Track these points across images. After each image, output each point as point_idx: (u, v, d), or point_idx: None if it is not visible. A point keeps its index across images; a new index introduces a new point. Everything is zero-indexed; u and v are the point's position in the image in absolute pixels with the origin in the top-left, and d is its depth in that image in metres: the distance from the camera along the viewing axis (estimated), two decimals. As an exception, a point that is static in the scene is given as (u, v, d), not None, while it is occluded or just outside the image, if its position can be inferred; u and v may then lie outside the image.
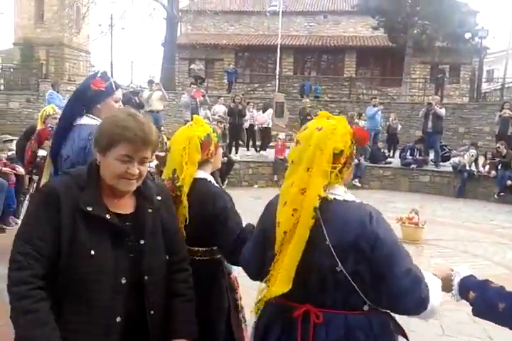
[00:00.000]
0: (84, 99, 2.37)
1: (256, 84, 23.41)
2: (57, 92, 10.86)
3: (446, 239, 6.59)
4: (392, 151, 13.33)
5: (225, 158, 10.59)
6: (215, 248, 2.02)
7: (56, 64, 20.60)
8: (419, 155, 11.53)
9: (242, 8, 26.61)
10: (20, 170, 6.52)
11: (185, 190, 1.93)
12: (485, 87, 25.63)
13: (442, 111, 11.52)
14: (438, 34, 20.30)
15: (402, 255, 1.44)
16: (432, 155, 11.73)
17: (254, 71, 25.79)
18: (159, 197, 1.64)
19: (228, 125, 11.90)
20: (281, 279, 1.46)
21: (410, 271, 1.42)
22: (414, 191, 10.97)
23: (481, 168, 10.68)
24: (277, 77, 21.12)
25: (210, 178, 2.06)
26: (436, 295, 1.45)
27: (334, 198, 1.48)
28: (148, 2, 21.30)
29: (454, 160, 11.09)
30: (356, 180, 11.19)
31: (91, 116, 2.39)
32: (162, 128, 10.87)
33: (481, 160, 10.92)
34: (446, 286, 1.57)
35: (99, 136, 1.50)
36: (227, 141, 11.47)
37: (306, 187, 1.45)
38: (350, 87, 21.04)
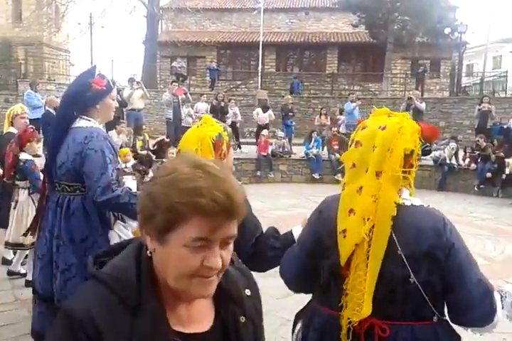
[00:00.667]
0: (84, 101, 2.27)
1: (238, 82, 23.38)
2: (36, 92, 10.72)
3: (427, 231, 6.67)
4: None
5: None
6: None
7: (35, 63, 20.28)
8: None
9: (224, 6, 26.53)
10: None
11: None
12: (465, 81, 25.97)
13: (423, 106, 11.64)
14: (418, 29, 20.48)
15: (473, 265, 1.37)
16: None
17: (237, 68, 25.75)
18: (248, 292, 1.06)
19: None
20: (368, 298, 1.34)
21: (481, 282, 1.36)
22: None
23: (461, 161, 10.83)
24: (260, 74, 21.12)
25: None
26: (499, 306, 1.39)
27: (403, 203, 1.38)
28: (129, 0, 21.12)
29: (435, 153, 11.21)
30: (339, 174, 11.25)
31: (86, 117, 2.30)
32: (144, 126, 10.81)
33: (461, 153, 11.07)
34: None
35: (148, 210, 0.88)
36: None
37: (379, 194, 1.33)
38: (333, 83, 21.13)
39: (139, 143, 10.14)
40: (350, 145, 1.44)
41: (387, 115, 1.44)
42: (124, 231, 2.35)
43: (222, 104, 11.99)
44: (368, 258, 1.34)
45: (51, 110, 7.94)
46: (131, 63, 27.71)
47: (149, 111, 15.84)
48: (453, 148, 10.80)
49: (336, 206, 1.43)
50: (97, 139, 2.21)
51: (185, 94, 11.62)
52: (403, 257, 1.32)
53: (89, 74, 2.31)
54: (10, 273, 4.42)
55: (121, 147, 8.89)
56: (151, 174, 7.81)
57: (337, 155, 11.28)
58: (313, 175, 11.35)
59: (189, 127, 8.84)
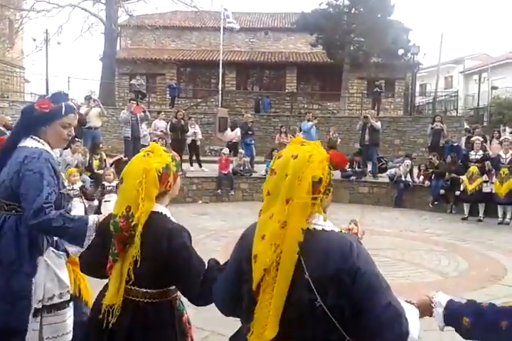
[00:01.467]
0: (30, 120, 2.28)
1: (199, 99, 23.41)
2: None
3: (385, 248, 6.77)
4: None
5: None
6: (170, 288, 1.86)
7: (-13, 79, 19.63)
8: (358, 167, 11.88)
9: (183, 24, 26.65)
10: None
11: (140, 228, 1.76)
12: (418, 100, 27.05)
13: (378, 124, 11.96)
14: (373, 50, 21.23)
15: (383, 288, 1.38)
16: (370, 167, 12.11)
17: (197, 86, 25.81)
18: None
19: (170, 141, 11.76)
20: (272, 322, 1.36)
21: (390, 305, 1.36)
22: (354, 202, 11.26)
23: (415, 179, 11.15)
24: (220, 92, 21.23)
25: (166, 212, 1.89)
26: (415, 327, 1.39)
27: (314, 228, 1.41)
28: (86, 17, 20.91)
29: (391, 171, 11.51)
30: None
31: (36, 138, 2.29)
32: (101, 145, 10.57)
33: (416, 170, 11.41)
34: (424, 312, 1.53)
35: None
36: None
37: (287, 220, 1.37)
38: (292, 102, 21.50)
39: (95, 162, 9.88)
40: (268, 174, 1.50)
41: (301, 144, 1.48)
42: (53, 259, 2.26)
43: (182, 122, 11.91)
44: (275, 282, 1.37)
45: (1, 128, 7.70)
46: (88, 80, 27.27)
47: (107, 129, 15.57)
48: (407, 166, 11.11)
49: (253, 233, 1.48)
50: (37, 160, 2.18)
51: (143, 112, 11.47)
52: (310, 281, 1.34)
53: (42, 96, 2.40)
54: None
55: (76, 166, 8.65)
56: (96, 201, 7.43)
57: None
58: (274, 193, 11.38)
59: (147, 145, 8.63)
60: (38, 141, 2.28)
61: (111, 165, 10.39)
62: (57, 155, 8.74)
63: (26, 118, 2.30)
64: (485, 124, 22.22)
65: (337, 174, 12.24)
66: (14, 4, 20.26)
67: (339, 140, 14.13)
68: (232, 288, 1.55)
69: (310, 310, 1.36)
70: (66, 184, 6.10)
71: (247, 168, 11.95)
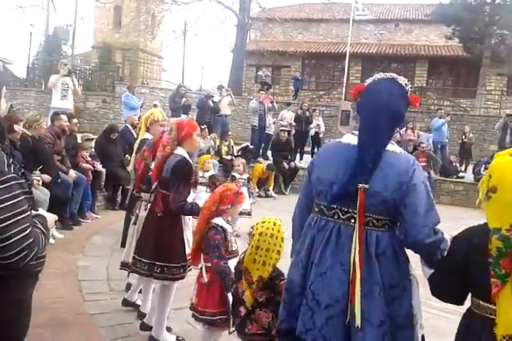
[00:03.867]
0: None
1: (321, 92, 23.29)
2: (133, 94, 11.34)
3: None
4: (464, 165, 12.75)
5: (291, 164, 10.63)
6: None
7: (131, 67, 21.55)
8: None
9: (311, 16, 26.63)
10: (99, 167, 6.89)
11: None
12: None
13: (522, 124, 10.93)
14: (518, 44, 19.29)
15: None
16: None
17: (320, 78, 25.69)
18: None
19: (294, 132, 11.91)
20: None
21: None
22: (487, 208, 10.40)
23: None
24: (344, 84, 20.91)
25: None
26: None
27: None
28: (221, 10, 21.87)
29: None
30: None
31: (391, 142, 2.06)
32: (229, 132, 11.06)
33: None
34: None
35: None
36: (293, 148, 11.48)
37: None
38: (421, 97, 20.44)
39: (224, 148, 10.38)
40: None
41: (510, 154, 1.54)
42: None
43: (307, 113, 11.99)
44: None
45: (130, 127, 8.17)
46: (218, 70, 28.53)
47: (233, 117, 16.22)
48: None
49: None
50: (419, 169, 1.94)
51: (271, 102, 11.75)
52: None
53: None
54: (125, 303, 3.75)
55: (208, 152, 9.16)
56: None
57: (424, 172, 10.85)
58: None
59: (271, 135, 8.42)
60: (393, 145, 2.01)
61: (237, 152, 10.86)
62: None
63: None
64: None
65: (470, 177, 11.42)
66: (158, -2, 21.92)
67: (474, 140, 13.19)
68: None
69: None
70: (199, 171, 6.16)
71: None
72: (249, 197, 6.69)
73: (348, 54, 20.73)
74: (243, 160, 7.37)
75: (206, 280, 2.69)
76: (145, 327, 3.33)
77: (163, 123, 4.00)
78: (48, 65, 19.92)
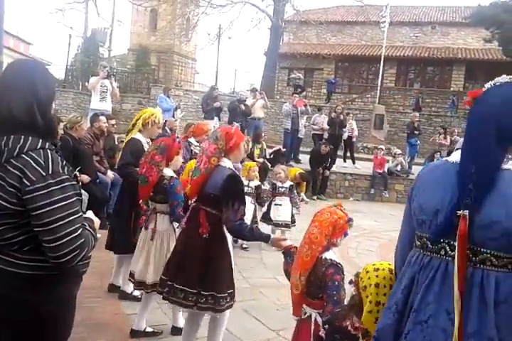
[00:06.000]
0: None
1: (354, 95, 23.08)
2: (168, 97, 11.49)
3: None
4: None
5: (326, 172, 10.52)
6: None
7: (166, 70, 21.89)
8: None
9: (346, 19, 26.45)
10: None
11: None
12: None
13: None
14: (561, 47, 18.64)
15: None
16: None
17: (353, 81, 25.46)
18: None
19: (327, 135, 11.83)
20: None
21: None
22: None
23: None
24: (379, 88, 20.65)
25: None
26: None
27: None
28: (255, 12, 21.96)
29: None
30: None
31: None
32: (263, 134, 11.07)
33: None
34: None
35: None
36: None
37: None
38: (457, 102, 19.97)
39: (256, 151, 10.39)
40: None
41: None
42: None
43: (341, 117, 11.89)
44: None
45: (168, 131, 8.20)
46: (251, 73, 28.65)
47: (266, 120, 16.25)
48: None
49: None
50: None
51: (305, 106, 11.71)
52: None
53: None
54: (132, 332, 3.39)
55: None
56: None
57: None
58: (431, 197, 10.76)
59: (301, 138, 7.86)
60: None
61: (270, 155, 10.86)
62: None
63: None
64: None
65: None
66: (193, 2, 22.19)
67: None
68: None
69: None
70: (244, 179, 5.83)
71: (403, 168, 11.48)
72: (294, 207, 6.38)
73: (382, 57, 20.48)
74: (284, 167, 6.78)
75: (324, 334, 2.07)
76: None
77: (161, 126, 4.08)
78: (86, 66, 20.44)
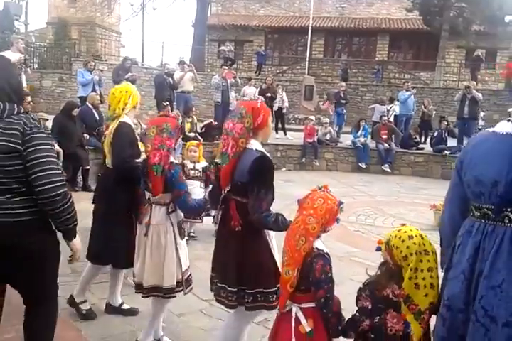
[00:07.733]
0: None
1: (284, 67, 23.18)
2: (89, 71, 10.90)
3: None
4: (424, 137, 13.07)
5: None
6: None
7: (88, 43, 20.79)
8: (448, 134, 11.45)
9: (273, -11, 26.18)
10: (56, 147, 6.69)
11: None
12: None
13: (480, 96, 11.22)
14: (475, 17, 19.60)
15: None
16: (465, 142, 11.46)
17: (284, 53, 25.53)
18: None
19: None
20: None
21: None
22: (446, 178, 10.78)
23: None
24: (307, 59, 20.85)
25: None
26: None
27: None
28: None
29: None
30: (386, 165, 11.08)
31: None
32: (193, 108, 10.90)
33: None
34: None
35: None
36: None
37: None
38: (382, 71, 20.63)
39: (187, 126, 10.24)
40: None
41: None
42: None
43: (272, 88, 11.94)
44: None
45: (90, 106, 7.85)
46: (180, 46, 27.85)
47: (196, 94, 15.99)
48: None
49: None
50: None
51: (234, 78, 11.61)
52: None
53: None
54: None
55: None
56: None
57: (385, 145, 11.09)
58: (360, 164, 11.20)
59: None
60: None
61: (201, 129, 10.75)
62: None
63: None
64: None
65: (429, 148, 11.74)
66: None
67: (434, 112, 13.47)
68: None
69: None
70: (187, 162, 5.19)
71: (332, 137, 11.80)
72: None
73: (310, 28, 20.62)
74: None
75: (309, 329, 2.04)
76: None
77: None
78: (1, 42, 18.95)
